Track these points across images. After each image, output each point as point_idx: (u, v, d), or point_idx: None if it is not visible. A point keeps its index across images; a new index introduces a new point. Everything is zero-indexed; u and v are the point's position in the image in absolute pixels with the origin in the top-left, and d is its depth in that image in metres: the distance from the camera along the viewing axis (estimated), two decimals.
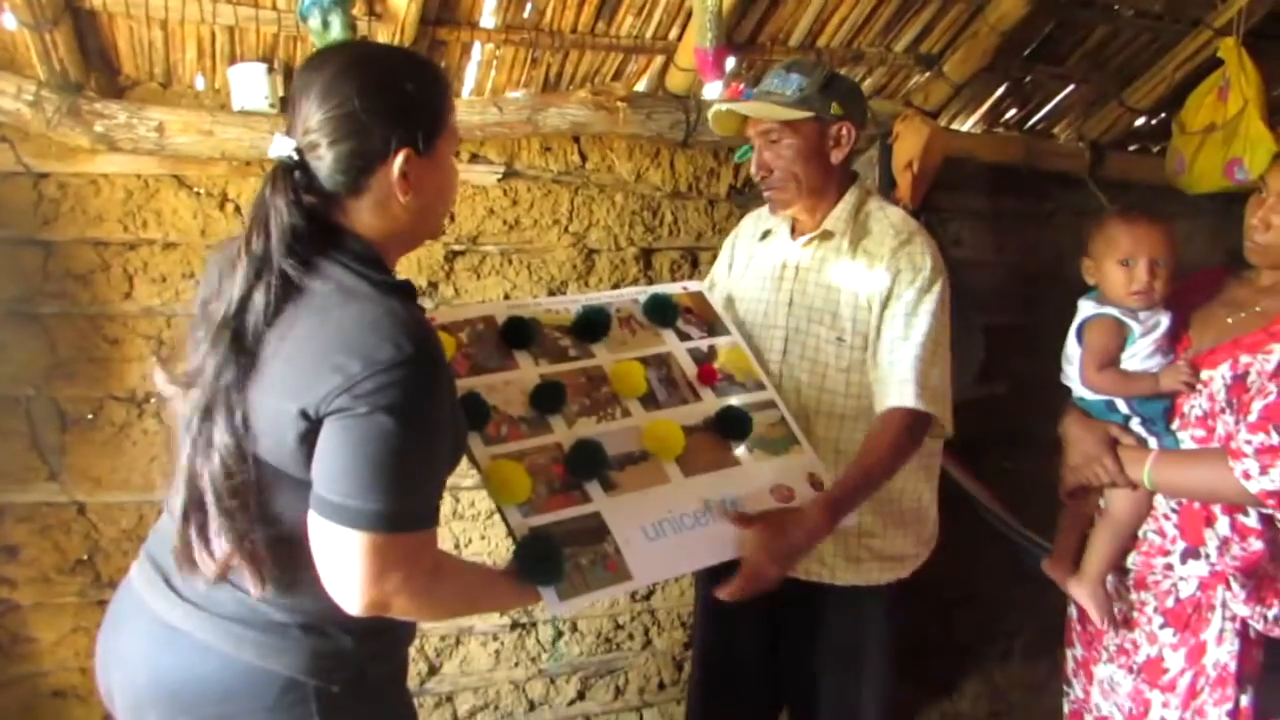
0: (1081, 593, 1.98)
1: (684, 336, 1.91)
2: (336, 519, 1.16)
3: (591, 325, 1.81)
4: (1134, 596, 1.95)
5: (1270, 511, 1.73)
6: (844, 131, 1.90)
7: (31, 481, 2.26)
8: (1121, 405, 1.93)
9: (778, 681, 2.14)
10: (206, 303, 1.26)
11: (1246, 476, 1.68)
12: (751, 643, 2.10)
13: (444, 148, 1.33)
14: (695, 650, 2.35)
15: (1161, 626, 1.90)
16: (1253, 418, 1.71)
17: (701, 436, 1.76)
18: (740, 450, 1.78)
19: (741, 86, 2.64)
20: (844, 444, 1.91)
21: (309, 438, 1.17)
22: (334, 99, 1.22)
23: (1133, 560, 1.94)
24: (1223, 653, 1.82)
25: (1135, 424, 1.93)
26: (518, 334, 1.73)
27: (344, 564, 1.17)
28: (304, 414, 1.16)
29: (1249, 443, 1.69)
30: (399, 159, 1.26)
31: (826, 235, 1.93)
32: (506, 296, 2.58)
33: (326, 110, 1.22)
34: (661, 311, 1.91)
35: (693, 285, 2.06)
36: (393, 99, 1.26)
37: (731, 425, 1.79)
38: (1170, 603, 1.88)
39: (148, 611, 1.29)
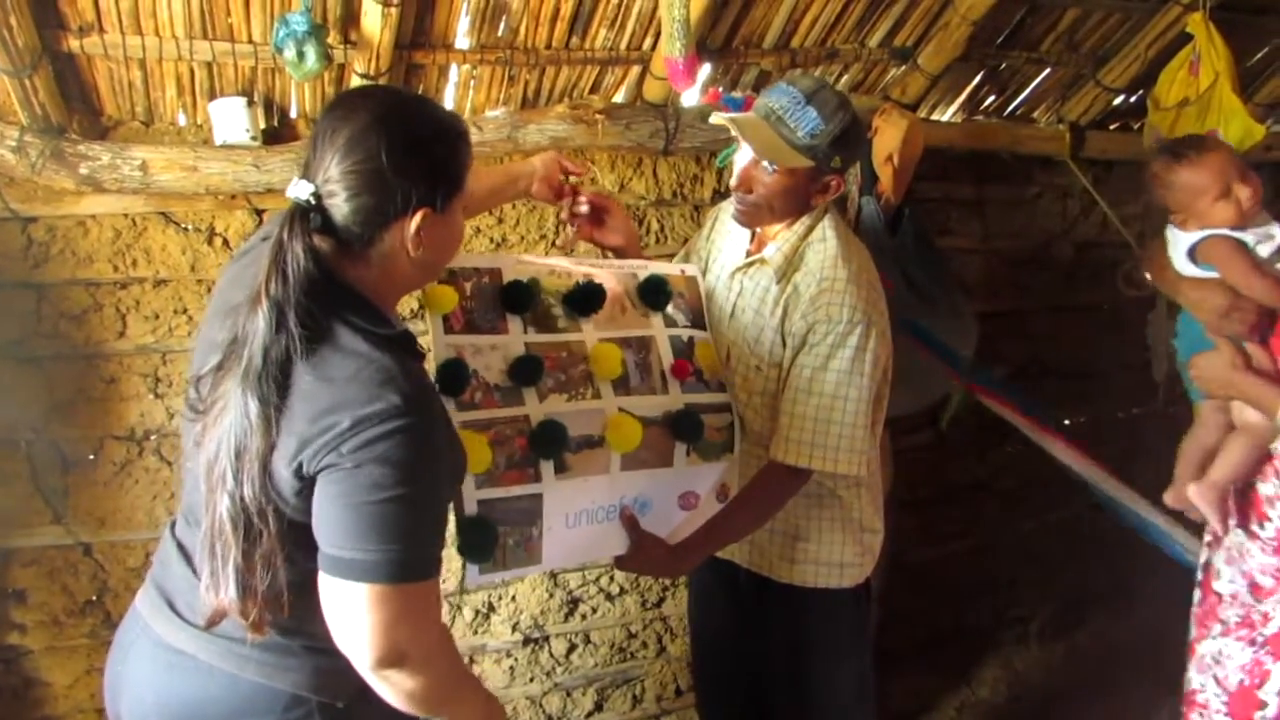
0: (1201, 496, 1.95)
1: (670, 323, 1.93)
2: (339, 573, 1.18)
3: (586, 299, 1.83)
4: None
5: None
6: (834, 184, 1.86)
7: (36, 525, 2.26)
8: None
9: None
10: (223, 343, 1.23)
11: None
12: (725, 625, 2.17)
13: (457, 205, 1.34)
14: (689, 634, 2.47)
15: None
16: None
17: (655, 430, 1.79)
18: (679, 451, 1.82)
19: (719, 90, 2.67)
20: (745, 458, 1.95)
21: (303, 493, 1.19)
22: (360, 152, 1.22)
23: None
24: None
25: None
26: (516, 299, 1.76)
27: (351, 617, 1.19)
28: (297, 472, 1.17)
29: None
30: (417, 218, 1.26)
31: (763, 261, 1.92)
32: None
33: (351, 162, 1.22)
34: (655, 295, 1.92)
35: (690, 269, 2.06)
36: (420, 160, 1.26)
37: (686, 429, 1.82)
38: None
39: (153, 636, 1.31)
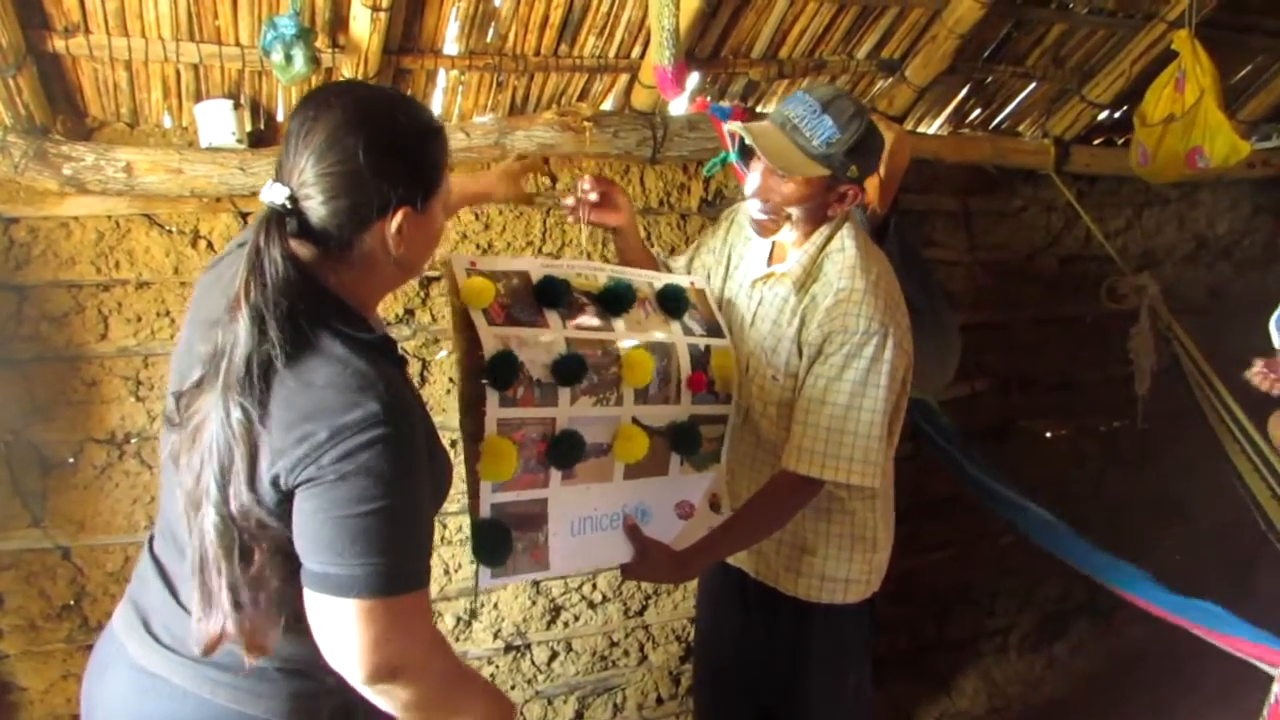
0: None
1: (687, 330, 1.93)
2: (324, 589, 1.14)
3: (616, 298, 1.84)
4: None
5: None
6: (851, 193, 1.85)
7: (14, 528, 2.24)
8: None
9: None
10: (203, 350, 1.20)
11: None
12: (730, 630, 2.18)
13: (437, 202, 1.31)
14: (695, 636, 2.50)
15: None
16: None
17: (657, 440, 1.82)
18: (674, 460, 1.86)
19: (708, 99, 2.68)
20: (759, 466, 1.97)
21: (282, 504, 1.16)
22: (336, 153, 1.18)
23: None
24: None
25: None
26: (549, 294, 1.76)
27: (340, 634, 1.16)
28: (275, 483, 1.14)
29: None
30: (397, 217, 1.22)
31: (783, 274, 1.93)
32: None
33: (328, 164, 1.18)
34: (674, 302, 1.93)
35: (699, 282, 2.07)
36: (398, 158, 1.22)
37: (683, 441, 1.86)
38: None
39: (127, 657, 1.28)
